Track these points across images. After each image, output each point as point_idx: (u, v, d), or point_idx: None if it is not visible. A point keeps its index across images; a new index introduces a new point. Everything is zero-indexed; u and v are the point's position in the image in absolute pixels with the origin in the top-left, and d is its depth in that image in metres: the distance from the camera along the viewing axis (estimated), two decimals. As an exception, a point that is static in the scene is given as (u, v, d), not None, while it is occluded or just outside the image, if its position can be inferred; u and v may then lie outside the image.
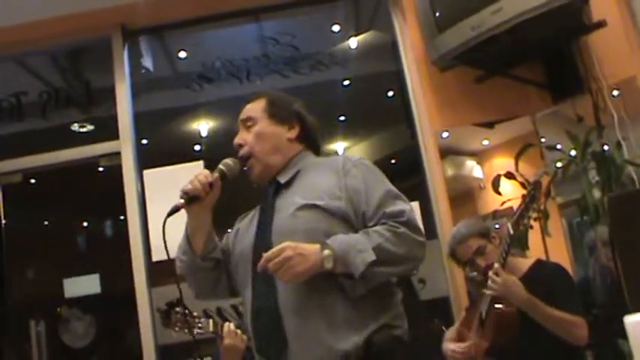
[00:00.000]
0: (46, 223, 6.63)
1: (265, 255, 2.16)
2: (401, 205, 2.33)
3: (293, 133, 2.59)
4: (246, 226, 2.58)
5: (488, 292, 3.14)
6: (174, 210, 2.34)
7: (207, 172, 2.43)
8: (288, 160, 2.55)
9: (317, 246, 2.19)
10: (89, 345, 5.34)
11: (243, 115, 2.61)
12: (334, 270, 2.18)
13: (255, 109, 2.61)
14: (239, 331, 3.38)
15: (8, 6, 4.79)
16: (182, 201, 2.34)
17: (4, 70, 5.61)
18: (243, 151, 2.53)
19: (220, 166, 2.48)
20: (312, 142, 2.66)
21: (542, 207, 3.83)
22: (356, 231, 2.29)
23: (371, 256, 2.16)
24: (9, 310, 5.09)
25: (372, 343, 2.21)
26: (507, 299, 3.12)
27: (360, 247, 2.18)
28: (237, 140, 2.57)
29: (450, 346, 3.48)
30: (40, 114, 5.48)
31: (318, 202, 2.32)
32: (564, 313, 3.05)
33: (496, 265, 3.10)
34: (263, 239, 2.38)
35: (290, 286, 2.23)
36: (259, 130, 2.55)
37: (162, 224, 2.28)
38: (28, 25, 4.98)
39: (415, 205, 4.83)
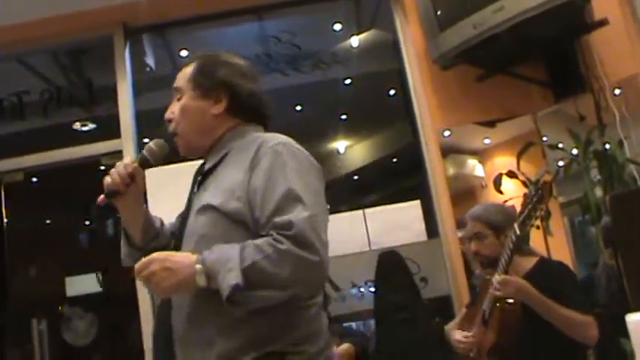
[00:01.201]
0: (47, 221, 6.65)
1: (136, 266, 1.93)
2: (293, 214, 1.89)
3: (219, 108, 2.22)
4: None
5: (501, 294, 3.12)
6: (96, 208, 2.15)
7: (127, 160, 2.20)
8: (216, 140, 2.23)
9: (192, 259, 1.91)
10: (91, 343, 5.35)
11: (175, 82, 2.31)
12: (210, 287, 1.88)
13: (183, 77, 2.29)
14: None
15: (10, 5, 4.79)
16: (102, 197, 2.14)
17: (6, 69, 5.62)
18: (170, 127, 2.27)
19: (143, 151, 2.23)
20: (251, 113, 2.28)
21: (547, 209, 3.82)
22: (255, 238, 1.93)
23: (236, 279, 1.81)
24: (11, 309, 5.10)
25: None
26: (519, 300, 3.10)
27: (230, 266, 1.84)
28: (166, 114, 2.29)
29: (455, 335, 3.47)
30: (41, 113, 5.48)
31: (214, 203, 2.03)
32: (575, 313, 3.03)
33: (503, 277, 3.08)
34: (179, 237, 2.15)
35: (184, 306, 2.01)
36: (183, 105, 2.23)
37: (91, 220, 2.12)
38: (29, 24, 4.99)
39: (417, 204, 4.84)
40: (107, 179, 2.15)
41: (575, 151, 4.38)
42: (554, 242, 4.37)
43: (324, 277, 1.94)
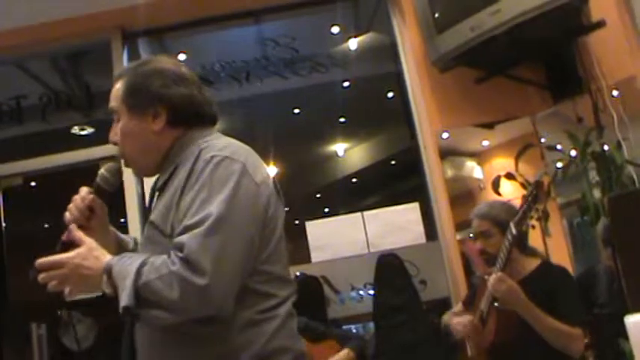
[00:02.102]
0: (46, 225, 6.64)
1: (49, 260, 1.95)
2: (190, 235, 1.79)
3: (160, 123, 2.07)
4: None
5: (494, 294, 3.13)
6: (62, 245, 2.03)
7: (83, 192, 2.14)
8: (163, 155, 2.11)
9: (101, 266, 1.87)
10: (90, 347, 5.34)
11: (110, 102, 2.18)
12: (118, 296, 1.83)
13: (115, 97, 2.16)
14: None
15: (8, 10, 4.79)
16: (66, 233, 2.05)
17: (4, 73, 5.62)
18: (117, 151, 2.17)
19: (97, 179, 2.17)
20: (193, 118, 2.13)
21: (543, 207, 3.82)
22: None
23: (127, 300, 1.77)
24: (10, 313, 5.09)
25: None
26: (508, 305, 3.11)
27: (127, 283, 1.79)
28: (110, 137, 2.17)
29: (455, 318, 3.47)
30: (40, 117, 5.49)
31: (155, 220, 1.98)
32: (563, 325, 3.02)
33: (497, 274, 3.08)
34: None
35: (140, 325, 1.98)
36: (122, 129, 2.11)
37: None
38: (27, 28, 4.99)
39: (415, 206, 4.84)
40: (67, 215, 2.11)
41: (573, 153, 4.38)
42: (552, 243, 4.38)
43: (209, 302, 1.77)
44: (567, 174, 4.39)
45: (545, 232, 4.37)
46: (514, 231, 3.09)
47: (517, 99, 4.73)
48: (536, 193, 3.09)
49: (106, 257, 1.91)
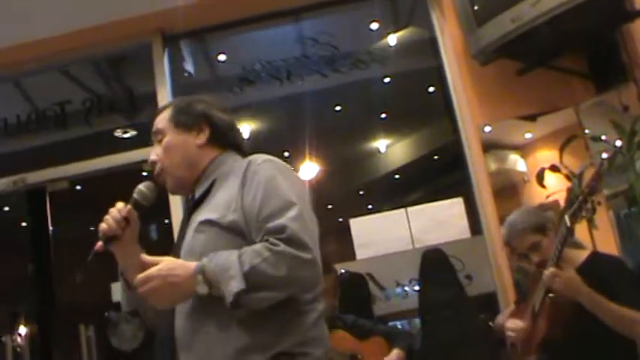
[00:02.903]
0: (92, 228, 6.70)
1: (136, 280, 2.02)
2: (285, 219, 2.00)
3: (202, 138, 2.34)
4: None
5: (551, 288, 3.09)
6: (94, 254, 2.18)
7: (120, 205, 2.27)
8: (201, 171, 2.33)
9: (191, 270, 1.99)
10: (138, 348, 5.39)
11: (153, 128, 2.40)
12: (211, 294, 1.96)
13: (161, 120, 2.39)
14: None
15: (49, 18, 4.86)
16: (100, 243, 2.18)
17: (48, 79, 5.71)
18: (157, 167, 2.35)
19: (134, 194, 2.30)
20: (229, 142, 2.41)
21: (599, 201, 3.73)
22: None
23: (239, 285, 1.90)
24: (59, 316, 5.16)
25: None
26: (568, 297, 3.06)
27: (230, 273, 1.93)
28: (150, 157, 2.38)
29: (508, 323, 3.43)
30: (84, 121, 5.55)
31: (213, 217, 2.12)
32: (627, 310, 2.98)
33: (552, 270, 3.05)
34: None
35: (184, 313, 2.09)
36: (166, 143, 2.33)
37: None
38: (70, 34, 5.06)
39: (459, 201, 4.82)
40: (103, 226, 2.22)
41: (619, 143, 4.32)
42: (599, 235, 4.32)
43: (317, 274, 2.02)
44: (613, 165, 4.33)
45: (591, 225, 4.31)
46: (568, 223, 3.03)
47: (559, 90, 4.67)
48: (594, 185, 3.04)
49: (192, 263, 2.02)
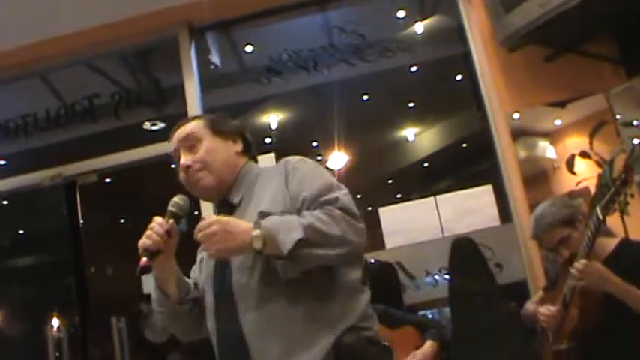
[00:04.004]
0: (122, 221, 6.76)
1: (198, 225, 2.12)
2: (336, 194, 2.20)
3: (238, 147, 2.52)
4: (206, 254, 2.45)
5: (581, 283, 3.06)
6: (142, 271, 2.24)
7: (160, 220, 2.32)
8: (236, 175, 2.47)
9: (249, 225, 2.11)
10: (169, 339, 5.42)
11: (181, 134, 2.50)
12: (264, 250, 2.07)
13: (194, 127, 2.50)
14: None
15: (77, 12, 4.89)
16: (144, 259, 2.23)
17: (76, 74, 5.75)
18: (193, 170, 2.41)
19: (170, 208, 2.37)
20: (252, 155, 2.59)
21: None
22: None
23: (299, 234, 2.03)
24: (91, 308, 5.21)
25: (341, 345, 2.10)
26: (598, 287, 3.04)
27: (290, 226, 2.07)
28: (183, 162, 2.43)
29: (541, 309, 3.40)
30: (112, 115, 5.59)
31: (265, 209, 2.23)
32: None
33: (583, 261, 3.02)
34: (222, 263, 2.31)
35: (251, 306, 2.17)
36: (208, 146, 2.44)
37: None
38: (97, 29, 5.09)
39: (488, 189, 4.79)
40: (146, 241, 2.25)
41: (650, 128, 4.29)
42: (631, 222, 4.27)
43: (364, 242, 2.19)
44: (645, 150, 4.29)
45: (623, 212, 4.27)
46: (600, 216, 3.00)
47: (589, 75, 4.63)
48: (625, 177, 3.00)
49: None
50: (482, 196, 4.81)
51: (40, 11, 4.81)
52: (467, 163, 5.86)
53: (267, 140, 5.52)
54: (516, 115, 4.74)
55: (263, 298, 2.15)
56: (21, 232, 6.78)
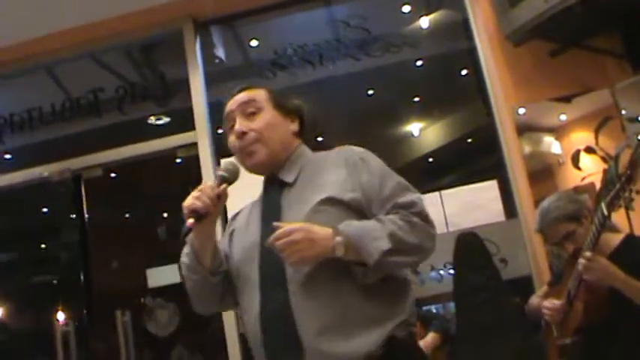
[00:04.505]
0: (127, 215, 6.77)
1: (275, 233, 2.05)
2: (412, 196, 2.24)
3: (295, 127, 2.48)
4: (243, 227, 2.45)
5: (586, 278, 3.06)
6: (187, 233, 2.19)
7: (211, 183, 2.27)
8: (288, 156, 2.42)
9: (329, 231, 2.08)
10: (174, 333, 5.44)
11: (242, 98, 2.43)
12: (345, 257, 2.07)
13: (258, 94, 2.45)
14: None
15: (82, 5, 4.89)
16: (191, 221, 2.16)
17: (80, 68, 5.74)
18: (248, 138, 2.36)
19: (221, 172, 2.32)
20: (305, 137, 2.54)
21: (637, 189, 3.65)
22: None
23: (386, 244, 2.06)
24: (95, 301, 5.22)
25: (393, 339, 2.10)
26: (604, 282, 3.03)
27: (374, 235, 2.08)
28: (239, 127, 2.37)
29: (544, 302, 3.40)
30: (117, 109, 5.59)
31: (334, 195, 2.20)
32: None
33: (588, 254, 3.01)
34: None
35: (304, 287, 2.12)
36: (269, 119, 2.39)
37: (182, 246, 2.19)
38: (101, 22, 5.10)
39: (493, 184, 4.78)
40: (195, 203, 2.18)
41: (656, 123, 4.28)
42: (636, 217, 4.27)
43: (434, 248, 2.23)
44: (650, 145, 4.27)
45: (628, 207, 4.26)
46: (605, 212, 2.99)
47: (594, 70, 4.63)
48: (630, 174, 2.99)
49: (327, 228, 2.11)
50: (487, 191, 4.80)
51: (44, 5, 4.81)
52: (472, 158, 5.85)
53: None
54: (521, 110, 4.73)
55: (317, 283, 2.12)
56: (24, 225, 6.79)
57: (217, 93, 5.33)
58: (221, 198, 2.26)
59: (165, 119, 5.63)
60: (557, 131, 4.78)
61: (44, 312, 5.49)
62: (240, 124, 2.37)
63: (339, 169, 2.29)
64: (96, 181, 5.36)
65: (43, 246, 6.77)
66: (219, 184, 2.27)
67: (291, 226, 2.06)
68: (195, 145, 5.08)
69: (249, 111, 2.39)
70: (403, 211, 2.17)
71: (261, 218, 2.35)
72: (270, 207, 2.35)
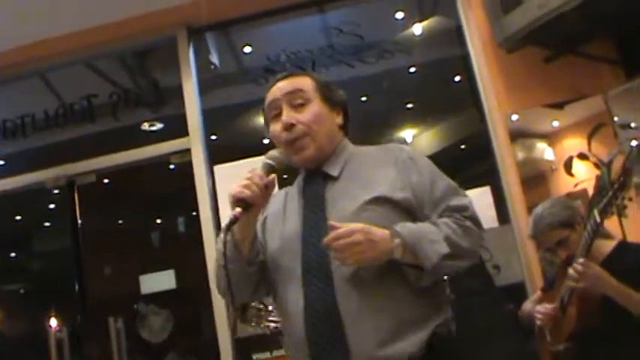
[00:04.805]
0: (120, 221, 6.76)
1: (336, 232, 2.00)
2: (464, 199, 2.25)
3: (340, 120, 2.43)
4: (277, 215, 2.38)
5: (579, 285, 3.06)
6: (234, 221, 2.09)
7: (259, 172, 2.18)
8: (334, 149, 2.37)
9: (387, 233, 2.05)
10: (167, 339, 5.43)
11: (288, 87, 2.36)
12: (401, 259, 2.05)
13: (306, 85, 2.38)
14: None
15: (76, 12, 4.89)
16: (239, 210, 2.09)
17: (74, 74, 5.73)
18: (297, 131, 2.29)
19: (268, 160, 2.24)
20: (347, 131, 2.49)
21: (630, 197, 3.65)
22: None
23: (445, 248, 2.06)
24: (88, 308, 5.21)
25: (434, 338, 2.09)
26: (596, 290, 3.04)
27: (432, 238, 2.07)
28: (287, 119, 2.30)
29: (538, 307, 3.40)
30: (110, 115, 5.58)
31: (384, 194, 2.18)
32: None
33: (580, 260, 3.02)
34: (316, 234, 2.16)
35: (350, 283, 2.08)
36: (317, 111, 2.33)
37: (223, 238, 2.08)
38: (95, 29, 5.10)
39: (487, 190, 4.78)
40: (244, 191, 2.11)
41: (648, 130, 4.29)
42: (629, 224, 4.27)
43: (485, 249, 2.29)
44: (643, 152, 4.29)
45: (621, 214, 4.27)
46: (598, 219, 2.99)
47: (587, 77, 4.64)
48: (623, 181, 2.99)
49: (384, 229, 2.08)
50: (480, 198, 4.79)
51: (38, 11, 4.80)
52: (465, 164, 5.85)
53: (266, 141, 5.50)
54: (515, 117, 4.74)
55: (364, 279, 2.08)
56: (19, 231, 6.78)
57: (211, 99, 5.33)
58: (269, 188, 2.20)
59: (159, 126, 5.62)
60: (550, 137, 4.79)
61: (38, 318, 5.47)
62: (287, 115, 2.31)
63: (388, 167, 2.27)
64: (89, 187, 5.35)
65: (37, 251, 6.76)
66: (267, 174, 2.20)
67: (351, 226, 2.02)
68: (188, 151, 5.08)
69: (297, 102, 2.33)
70: (456, 214, 2.19)
71: (303, 210, 2.30)
72: (314, 199, 2.29)
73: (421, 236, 2.07)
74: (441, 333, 2.13)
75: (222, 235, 2.11)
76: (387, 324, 2.06)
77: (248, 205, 2.11)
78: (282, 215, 2.37)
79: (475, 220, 2.21)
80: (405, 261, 2.07)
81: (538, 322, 3.38)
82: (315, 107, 2.33)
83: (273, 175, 2.22)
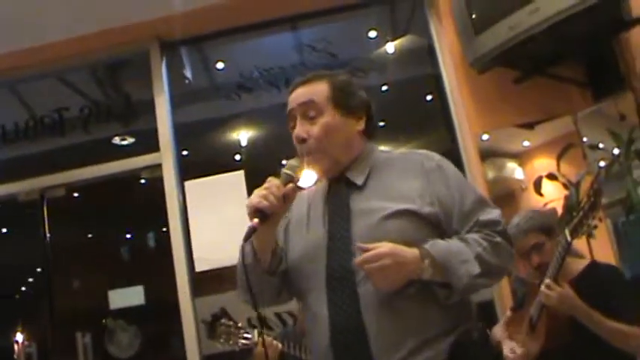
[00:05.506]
0: (89, 235, 6.71)
1: (364, 256, 1.98)
2: (494, 214, 2.18)
3: (361, 125, 2.32)
4: (302, 221, 2.34)
5: (548, 304, 3.08)
6: (252, 233, 2.05)
7: (277, 182, 2.13)
8: (356, 156, 2.30)
9: (416, 253, 2.01)
10: (134, 356, 5.39)
11: (302, 97, 2.30)
12: (431, 279, 2.02)
13: (317, 93, 2.29)
14: (274, 342, 3.43)
15: (47, 23, 4.86)
16: (256, 220, 2.04)
17: (45, 86, 5.70)
18: (308, 147, 2.23)
19: (286, 170, 2.18)
20: (374, 134, 2.41)
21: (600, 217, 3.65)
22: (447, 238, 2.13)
23: (476, 269, 2.02)
24: (56, 322, 5.16)
25: (458, 345, 2.06)
26: (564, 311, 3.06)
27: (462, 257, 2.03)
28: (299, 133, 2.25)
29: (505, 349, 3.40)
30: (81, 128, 5.55)
31: (411, 207, 2.12)
32: (620, 325, 2.97)
33: (547, 281, 3.04)
34: (341, 245, 2.15)
35: (377, 298, 2.05)
36: (327, 124, 2.24)
37: (240, 253, 2.11)
38: (67, 41, 5.06)
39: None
40: (262, 202, 2.07)
41: (616, 151, 4.32)
42: (596, 244, 4.30)
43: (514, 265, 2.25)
44: (610, 173, 4.33)
45: (589, 234, 4.30)
46: (569, 239, 3.02)
47: (557, 98, 4.67)
48: (594, 201, 3.02)
49: (413, 249, 2.04)
50: (450, 216, 4.81)
51: (9, 23, 4.77)
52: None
53: (237, 157, 5.50)
54: (485, 136, 4.77)
55: (390, 295, 2.04)
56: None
57: (183, 114, 5.32)
58: (287, 199, 2.15)
59: (130, 140, 5.60)
60: (521, 157, 4.82)
61: (5, 333, 5.41)
62: (299, 129, 2.26)
63: (415, 178, 2.20)
64: (58, 200, 5.31)
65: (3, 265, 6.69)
66: (285, 184, 2.14)
67: (380, 249, 1.99)
68: (159, 166, 5.05)
69: (310, 114, 2.27)
70: (486, 229, 2.13)
71: (328, 219, 2.25)
72: (338, 209, 2.25)
73: (452, 256, 2.03)
74: (463, 340, 2.09)
75: (241, 245, 2.10)
76: (412, 341, 2.03)
77: (265, 215, 2.07)
78: (306, 221, 2.33)
79: (505, 236, 2.16)
80: (434, 280, 2.03)
81: None
82: (327, 119, 2.25)
83: (292, 185, 2.16)
